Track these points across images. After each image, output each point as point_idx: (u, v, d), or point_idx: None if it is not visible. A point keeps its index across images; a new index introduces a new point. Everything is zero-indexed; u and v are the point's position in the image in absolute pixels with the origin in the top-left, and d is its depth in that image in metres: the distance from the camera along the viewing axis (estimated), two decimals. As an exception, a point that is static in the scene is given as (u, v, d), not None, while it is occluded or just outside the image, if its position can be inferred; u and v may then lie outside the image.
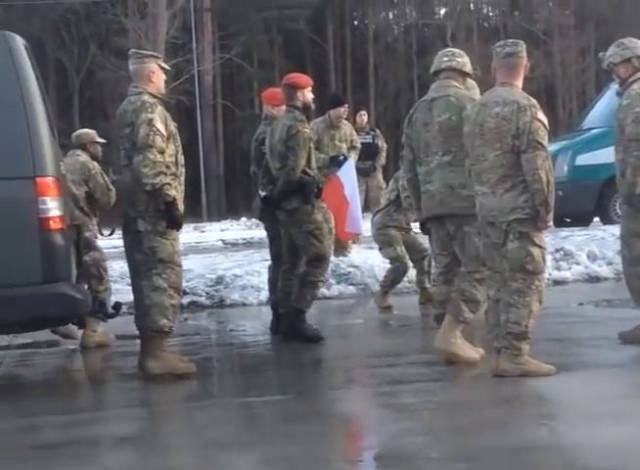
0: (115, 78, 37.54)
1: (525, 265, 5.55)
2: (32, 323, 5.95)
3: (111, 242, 9.68)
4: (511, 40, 5.93)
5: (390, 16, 48.65)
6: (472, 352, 6.12)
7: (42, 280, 5.70)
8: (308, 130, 7.48)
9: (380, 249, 9.36)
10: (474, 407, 5.16)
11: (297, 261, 7.56)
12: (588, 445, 4.22)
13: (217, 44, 41.20)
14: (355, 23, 48.11)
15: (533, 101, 5.62)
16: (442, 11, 47.05)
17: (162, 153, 6.15)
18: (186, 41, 36.72)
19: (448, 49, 6.72)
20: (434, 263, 7.28)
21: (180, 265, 6.33)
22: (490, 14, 50.15)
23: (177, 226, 6.28)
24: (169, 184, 6.12)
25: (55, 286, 5.73)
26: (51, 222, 5.70)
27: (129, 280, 10.20)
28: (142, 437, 4.96)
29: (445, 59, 6.39)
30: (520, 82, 5.75)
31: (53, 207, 5.71)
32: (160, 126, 6.14)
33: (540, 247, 5.61)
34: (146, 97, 6.23)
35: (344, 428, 5.06)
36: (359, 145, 11.18)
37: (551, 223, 5.68)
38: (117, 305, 6.99)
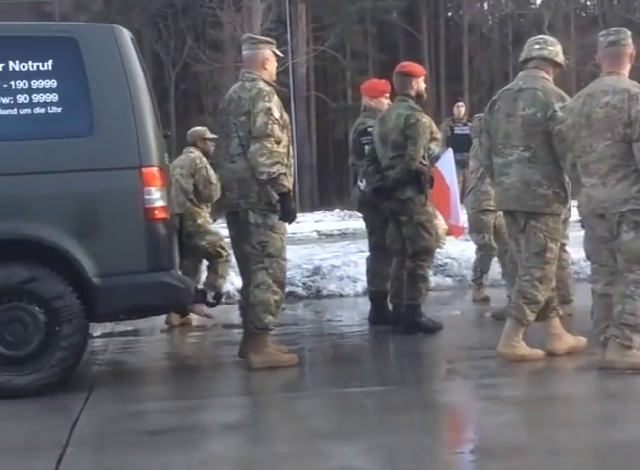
0: (210, 71, 37.96)
1: None
2: (136, 311, 6.03)
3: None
4: (614, 29, 5.79)
5: (485, 6, 48.13)
6: (537, 349, 6.04)
7: (147, 269, 5.78)
8: (426, 119, 7.40)
9: (469, 232, 9.29)
10: (579, 401, 5.10)
11: None
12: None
13: (311, 36, 41.29)
14: (450, 13, 47.70)
15: None
16: (539, 0, 46.37)
17: (279, 143, 6.09)
18: (280, 33, 36.82)
19: (540, 36, 6.47)
20: None
21: (285, 260, 6.31)
22: (588, 3, 49.22)
23: (290, 219, 6.21)
24: (285, 175, 6.06)
25: (159, 275, 5.81)
26: (155, 212, 5.76)
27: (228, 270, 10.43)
28: (246, 424, 5.00)
29: (537, 47, 6.17)
30: (626, 71, 5.63)
31: (157, 197, 5.78)
32: (277, 115, 6.10)
33: None
34: (262, 84, 6.17)
35: (448, 420, 5.04)
36: (439, 136, 11.03)
37: None
38: (218, 295, 7.10)
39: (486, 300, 9.19)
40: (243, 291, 6.54)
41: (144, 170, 5.74)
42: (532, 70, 6.14)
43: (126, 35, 5.96)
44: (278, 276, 6.23)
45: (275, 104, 6.12)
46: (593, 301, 5.74)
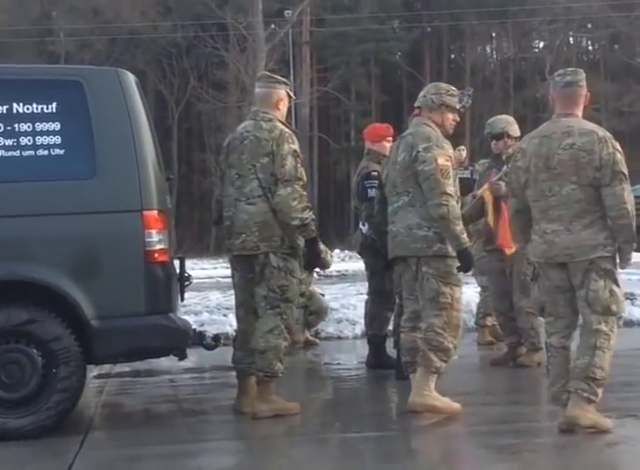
0: (213, 110, 38.18)
1: (611, 306, 5.18)
2: (135, 354, 6.01)
3: (206, 272, 9.80)
4: (570, 69, 5.63)
5: (488, 49, 48.51)
6: (450, 401, 5.96)
7: (145, 311, 5.77)
8: None
9: (473, 274, 9.27)
10: (579, 450, 5.04)
11: None
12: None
13: (315, 77, 41.58)
14: (452, 56, 48.08)
15: (607, 132, 5.32)
16: (541, 44, 46.74)
17: (304, 186, 5.99)
18: (284, 74, 37.14)
19: (430, 85, 6.49)
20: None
21: (297, 306, 6.25)
22: (590, 48, 49.62)
23: (318, 265, 6.18)
24: (313, 220, 5.97)
25: (158, 318, 5.80)
26: (156, 255, 5.76)
27: (225, 311, 10.39)
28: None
29: (418, 97, 6.30)
30: (580, 112, 5.42)
31: (158, 240, 5.78)
32: (301, 158, 6.05)
33: (619, 286, 5.26)
34: (280, 125, 6.04)
35: (445, 467, 5.00)
36: None
37: (633, 260, 5.29)
38: (217, 338, 7.04)
39: (492, 343, 9.15)
40: (238, 338, 6.34)
41: (145, 213, 5.75)
42: (420, 117, 6.22)
43: (131, 79, 6.00)
44: (289, 322, 6.07)
45: (297, 146, 6.05)
46: (549, 356, 5.39)
